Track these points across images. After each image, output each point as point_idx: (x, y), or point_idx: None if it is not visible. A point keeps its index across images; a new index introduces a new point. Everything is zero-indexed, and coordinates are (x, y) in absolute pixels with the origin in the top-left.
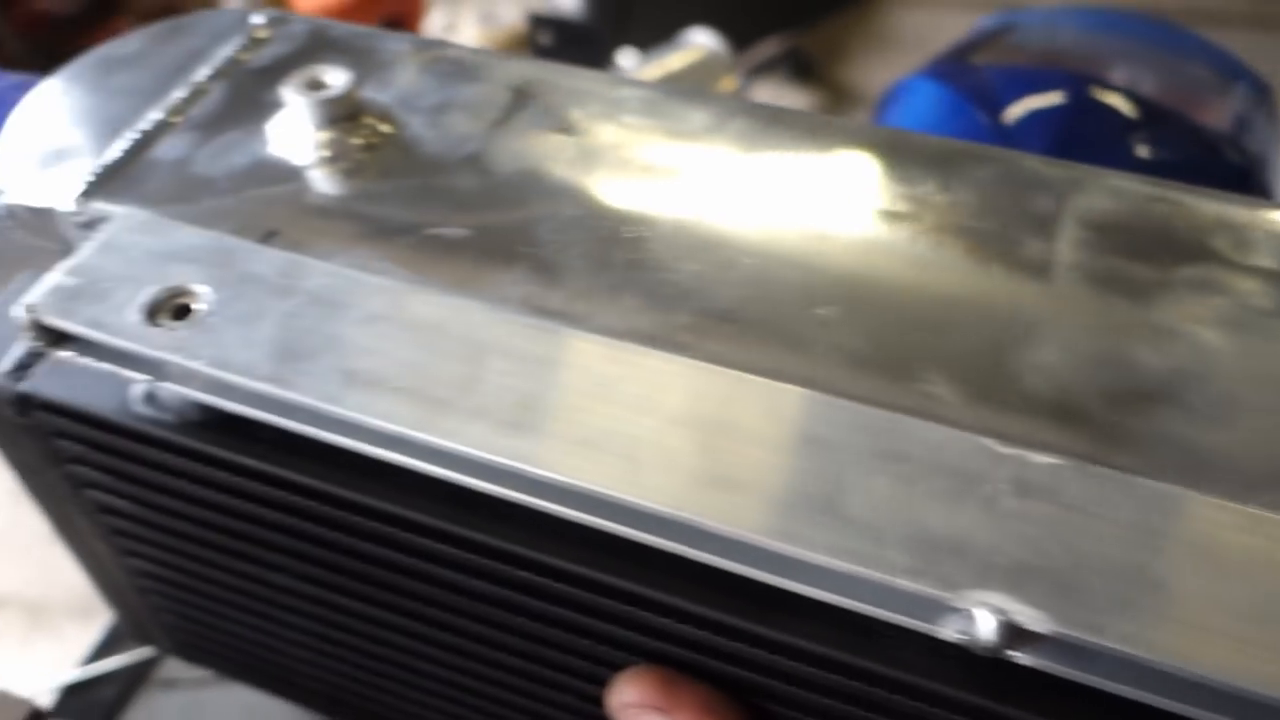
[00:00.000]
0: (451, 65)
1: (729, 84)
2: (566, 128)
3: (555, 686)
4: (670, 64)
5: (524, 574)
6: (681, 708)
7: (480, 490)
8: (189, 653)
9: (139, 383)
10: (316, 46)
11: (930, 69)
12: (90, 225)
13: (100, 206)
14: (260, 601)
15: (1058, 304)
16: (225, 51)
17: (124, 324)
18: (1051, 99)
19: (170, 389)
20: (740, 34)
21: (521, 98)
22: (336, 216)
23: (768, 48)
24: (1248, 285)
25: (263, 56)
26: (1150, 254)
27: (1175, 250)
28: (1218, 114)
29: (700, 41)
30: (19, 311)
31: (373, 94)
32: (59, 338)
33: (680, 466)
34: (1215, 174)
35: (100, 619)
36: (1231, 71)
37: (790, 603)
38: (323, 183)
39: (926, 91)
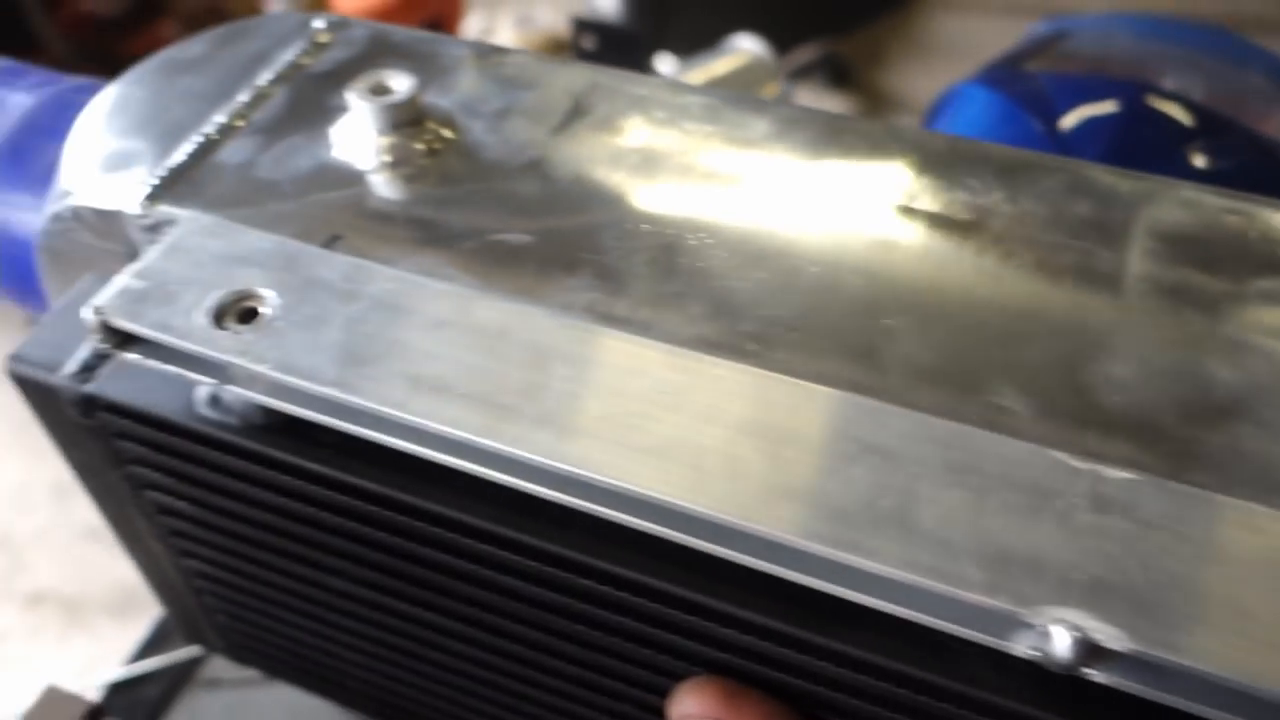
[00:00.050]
0: (512, 71)
1: (772, 89)
2: (628, 134)
3: (614, 696)
4: (715, 69)
5: (586, 582)
6: None
7: (545, 497)
8: (240, 654)
9: (203, 385)
10: (377, 51)
11: (983, 76)
12: (155, 228)
13: (165, 209)
14: (316, 605)
15: (1129, 316)
16: (287, 56)
17: (191, 327)
18: (1107, 107)
19: (235, 392)
20: (777, 39)
21: (583, 103)
22: (399, 222)
23: (805, 53)
24: None
25: (324, 61)
26: (1222, 266)
27: (1248, 262)
28: (1274, 122)
29: (745, 47)
30: (87, 313)
31: (434, 99)
32: (125, 339)
33: (747, 476)
34: (1273, 183)
35: (137, 617)
36: None
37: (857, 615)
38: (385, 188)
39: (980, 98)
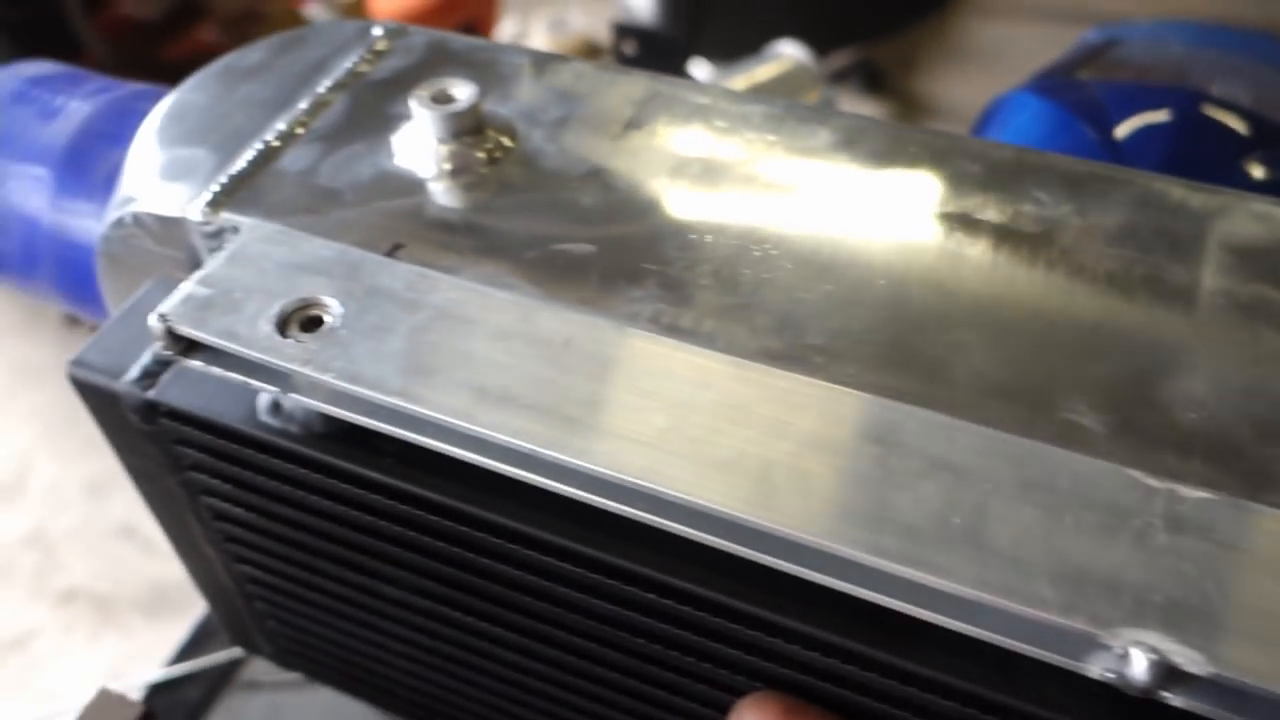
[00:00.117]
0: (571, 79)
1: (814, 96)
2: (690, 143)
3: (673, 710)
4: (757, 75)
5: (649, 596)
6: None
7: (610, 510)
8: (289, 659)
9: (266, 393)
10: (436, 59)
11: (1035, 84)
12: (217, 235)
13: (227, 217)
14: (370, 613)
15: (1203, 332)
16: (346, 63)
17: (256, 335)
18: (1162, 115)
19: (297, 400)
20: (811, 45)
21: (643, 112)
22: (461, 230)
23: (839, 59)
24: None
25: (383, 69)
26: None
27: None
28: None
29: (788, 53)
30: (153, 320)
31: (494, 107)
32: (189, 346)
33: (816, 491)
34: None
35: (169, 616)
36: None
37: (924, 633)
38: (446, 196)
39: (1032, 106)
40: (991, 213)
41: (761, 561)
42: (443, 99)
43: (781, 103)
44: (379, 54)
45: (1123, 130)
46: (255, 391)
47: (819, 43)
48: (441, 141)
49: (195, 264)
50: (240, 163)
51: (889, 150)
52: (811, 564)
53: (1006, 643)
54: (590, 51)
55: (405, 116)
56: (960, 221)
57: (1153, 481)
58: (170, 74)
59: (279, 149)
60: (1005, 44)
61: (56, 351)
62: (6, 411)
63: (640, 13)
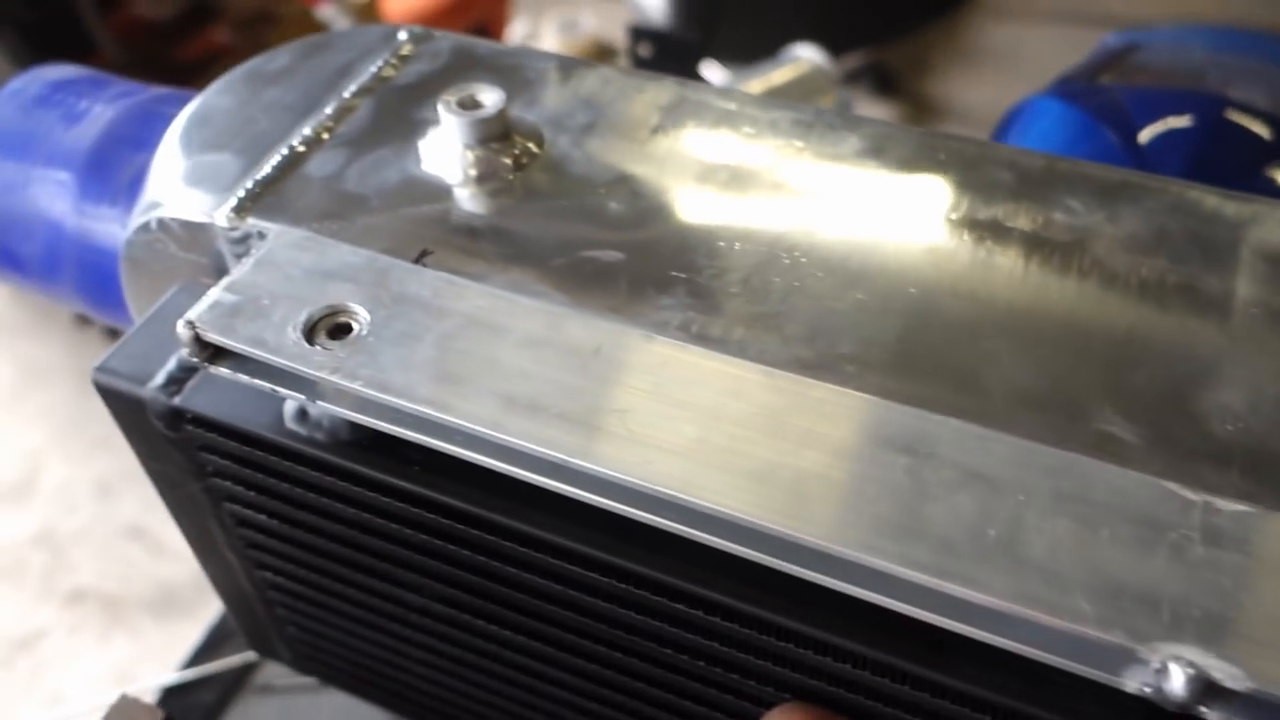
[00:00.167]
0: (597, 84)
1: (829, 99)
2: (717, 149)
3: None
4: (774, 78)
5: (678, 606)
6: None
7: (640, 520)
8: (307, 665)
9: (292, 400)
10: (460, 64)
11: (1056, 89)
12: (243, 240)
13: (254, 222)
14: (392, 620)
15: (1239, 342)
16: (371, 68)
17: (284, 343)
18: (1186, 120)
19: (324, 408)
20: (824, 47)
21: (669, 118)
22: (488, 237)
23: (851, 61)
24: None
25: (408, 73)
26: None
27: None
28: None
29: (804, 56)
30: (180, 327)
31: (520, 112)
32: (216, 353)
33: (848, 502)
34: None
35: (177, 616)
36: None
37: (958, 646)
38: (473, 202)
39: (1054, 111)
40: (1023, 221)
41: (793, 573)
42: (470, 104)
43: (810, 109)
44: (404, 59)
45: (1146, 135)
46: (282, 399)
47: (831, 44)
48: (468, 147)
49: (220, 270)
50: (266, 168)
51: (918, 157)
52: (844, 576)
53: (1042, 656)
54: (602, 53)
55: (431, 122)
56: (991, 229)
57: (1189, 494)
58: (184, 75)
59: (305, 154)
60: (1017, 46)
61: (66, 352)
62: (16, 412)
63: (653, 15)
